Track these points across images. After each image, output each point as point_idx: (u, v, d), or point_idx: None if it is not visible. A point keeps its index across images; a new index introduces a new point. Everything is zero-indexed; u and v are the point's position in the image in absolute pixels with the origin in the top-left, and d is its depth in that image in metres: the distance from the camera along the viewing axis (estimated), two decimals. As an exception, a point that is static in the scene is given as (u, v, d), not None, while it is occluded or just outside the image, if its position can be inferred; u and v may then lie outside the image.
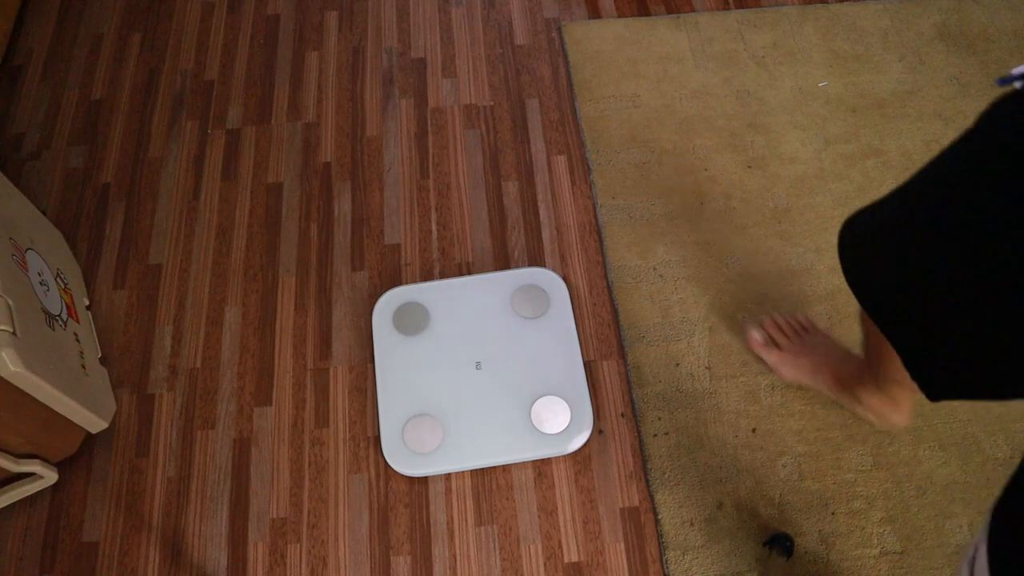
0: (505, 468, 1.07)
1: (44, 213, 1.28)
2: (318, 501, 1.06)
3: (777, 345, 1.10)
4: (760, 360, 1.13)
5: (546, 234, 1.26)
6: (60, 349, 1.00)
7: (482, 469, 1.07)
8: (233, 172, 1.33)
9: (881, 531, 1.02)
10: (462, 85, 1.42)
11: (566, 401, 1.09)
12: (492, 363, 1.12)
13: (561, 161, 1.33)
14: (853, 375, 1.01)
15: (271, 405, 1.13)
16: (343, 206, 1.29)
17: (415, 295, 1.18)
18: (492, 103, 1.40)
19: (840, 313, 1.17)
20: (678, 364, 1.13)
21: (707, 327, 1.16)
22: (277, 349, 1.17)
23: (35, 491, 1.04)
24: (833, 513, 1.03)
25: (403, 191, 1.30)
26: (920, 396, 0.63)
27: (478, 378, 1.11)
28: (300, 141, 1.36)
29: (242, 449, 1.10)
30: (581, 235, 1.25)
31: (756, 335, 1.11)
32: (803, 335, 1.11)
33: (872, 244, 0.64)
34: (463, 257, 1.24)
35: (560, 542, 1.03)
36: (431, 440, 1.07)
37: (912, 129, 1.34)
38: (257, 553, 1.03)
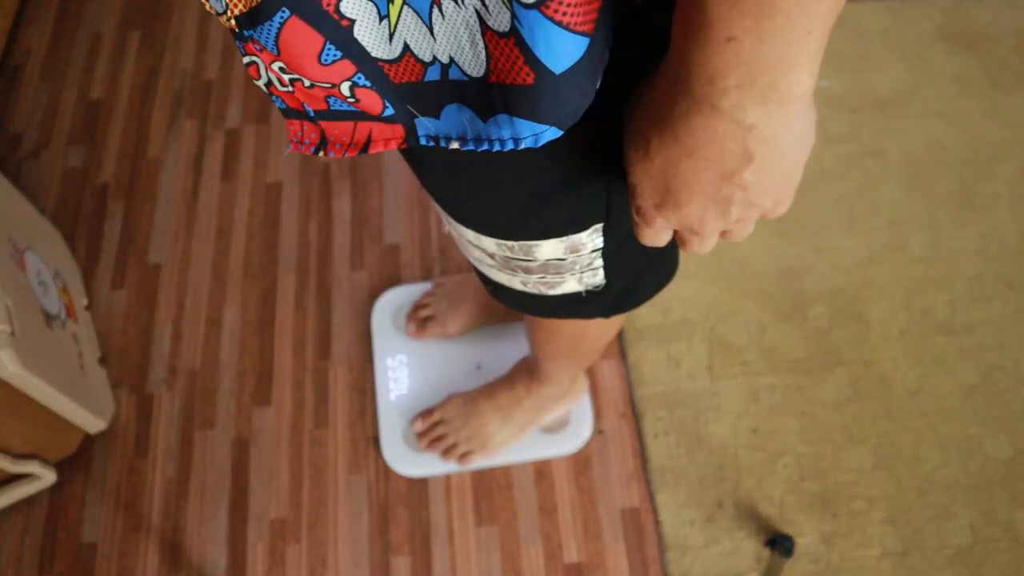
0: (505, 468, 1.07)
1: (43, 213, 1.27)
2: (317, 502, 1.06)
3: (429, 318, 1.13)
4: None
5: (546, 234, 1.25)
6: (58, 349, 1.00)
7: (482, 469, 1.07)
8: (232, 172, 1.33)
9: (882, 532, 1.02)
10: (462, 84, 1.42)
11: (566, 401, 1.09)
12: (492, 364, 1.12)
13: (561, 161, 1.32)
14: None
15: (270, 405, 1.12)
16: (343, 206, 1.29)
17: (415, 295, 1.18)
18: (492, 102, 1.39)
19: (841, 313, 1.17)
20: (678, 364, 1.13)
21: (707, 327, 1.16)
22: (276, 349, 1.17)
23: (33, 492, 1.03)
24: (834, 514, 1.03)
25: (403, 191, 1.30)
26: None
27: (478, 379, 1.11)
28: (299, 140, 1.36)
29: (241, 449, 1.10)
30: (581, 235, 1.25)
31: (409, 327, 1.14)
32: (439, 292, 1.14)
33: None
34: (463, 257, 1.24)
35: (560, 543, 1.02)
36: (431, 440, 1.07)
37: (913, 129, 1.34)
38: (256, 554, 1.03)
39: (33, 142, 1.37)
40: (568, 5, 0.32)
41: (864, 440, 1.07)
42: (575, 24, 0.33)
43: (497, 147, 0.39)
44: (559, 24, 0.33)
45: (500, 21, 0.34)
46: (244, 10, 0.34)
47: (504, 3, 0.33)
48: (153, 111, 1.40)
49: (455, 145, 0.41)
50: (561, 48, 0.34)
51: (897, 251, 1.22)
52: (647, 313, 1.17)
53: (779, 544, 0.97)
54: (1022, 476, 1.05)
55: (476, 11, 0.34)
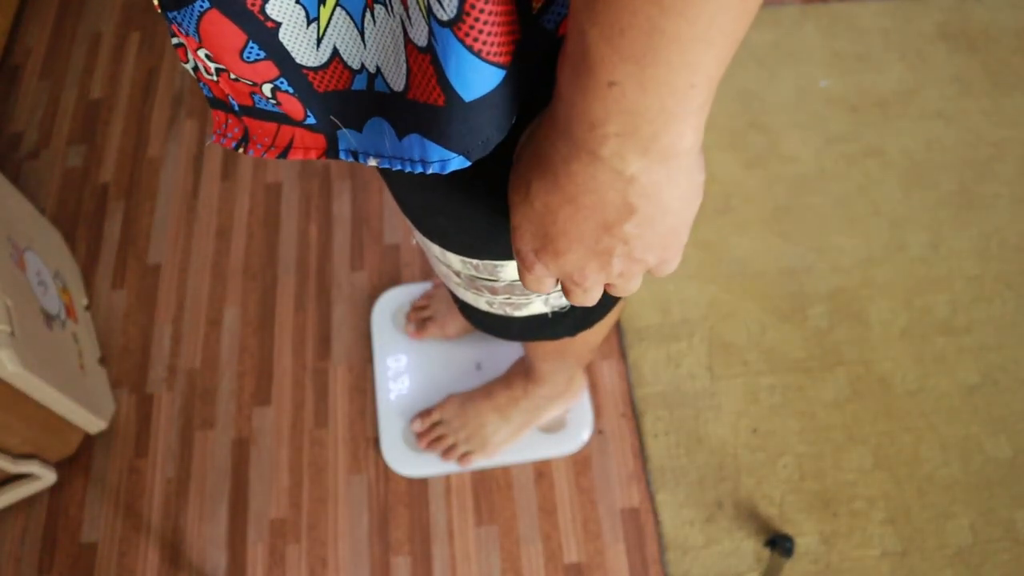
0: (505, 468, 1.07)
1: (43, 213, 1.27)
2: (317, 502, 1.06)
3: (429, 319, 1.13)
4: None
5: (546, 234, 1.25)
6: (58, 349, 1.00)
7: (482, 469, 1.07)
8: (232, 172, 1.33)
9: (882, 532, 1.02)
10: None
11: (566, 401, 1.08)
12: (492, 363, 1.12)
13: (561, 161, 1.32)
14: None
15: (270, 405, 1.12)
16: (343, 206, 1.29)
17: (415, 295, 1.18)
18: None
19: (840, 313, 1.17)
20: (678, 364, 1.13)
21: (707, 327, 1.16)
22: (276, 349, 1.17)
23: (33, 492, 1.03)
24: (834, 514, 1.03)
25: (403, 191, 1.30)
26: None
27: (478, 379, 1.11)
28: (299, 140, 1.36)
29: (241, 449, 1.10)
30: (581, 235, 1.25)
31: (409, 328, 1.14)
32: (438, 294, 1.14)
33: None
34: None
35: (560, 543, 1.02)
36: (431, 440, 1.06)
37: (913, 128, 1.34)
38: (256, 554, 1.03)
39: (33, 142, 1.37)
40: (481, 32, 0.31)
41: (864, 440, 1.07)
42: (488, 54, 0.32)
43: (408, 168, 0.38)
44: (470, 50, 0.31)
45: (419, 34, 0.32)
46: None
47: (423, 15, 0.31)
48: (153, 111, 1.40)
49: (373, 162, 0.40)
50: (471, 75, 0.32)
51: (897, 251, 1.22)
52: (647, 313, 1.17)
53: (779, 544, 0.97)
54: (1022, 476, 1.05)
55: (402, 21, 0.33)
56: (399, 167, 0.38)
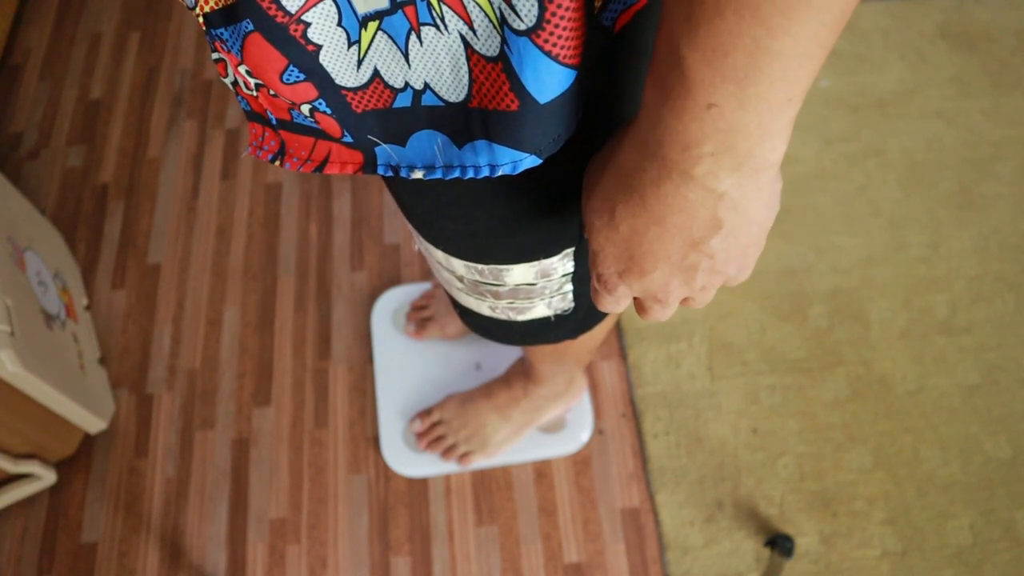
0: (505, 468, 1.07)
1: (43, 213, 1.27)
2: (317, 502, 1.06)
3: (429, 319, 1.13)
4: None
5: (546, 234, 1.25)
6: (58, 349, 1.00)
7: (482, 469, 1.07)
8: (232, 172, 1.33)
9: (882, 532, 1.02)
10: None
11: (566, 401, 1.08)
12: (492, 363, 1.12)
13: (561, 161, 1.32)
14: None
15: (270, 405, 1.12)
16: (343, 206, 1.29)
17: (415, 295, 1.18)
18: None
19: (841, 313, 1.17)
20: (678, 364, 1.13)
21: (707, 327, 1.16)
22: (276, 349, 1.17)
23: (33, 492, 1.03)
24: (834, 513, 1.03)
25: (403, 191, 1.30)
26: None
27: (478, 378, 1.11)
28: (299, 140, 1.36)
29: (241, 449, 1.10)
30: (581, 235, 1.25)
31: (409, 328, 1.14)
32: (438, 294, 1.14)
33: None
34: (463, 257, 1.23)
35: (560, 543, 1.02)
36: (431, 440, 1.06)
37: (913, 129, 1.34)
38: (256, 554, 1.03)
39: (33, 142, 1.37)
40: (559, 37, 0.32)
41: (864, 440, 1.07)
42: (564, 57, 0.33)
43: (471, 174, 0.38)
44: (548, 55, 0.32)
45: (489, 45, 0.33)
46: (215, 8, 0.34)
47: (495, 27, 0.32)
48: (153, 111, 1.40)
49: (418, 174, 0.39)
50: (548, 79, 0.33)
51: (897, 251, 1.22)
52: (647, 313, 1.17)
53: (779, 544, 0.97)
54: (1022, 476, 1.05)
55: (461, 35, 0.33)
56: (456, 175, 0.38)
